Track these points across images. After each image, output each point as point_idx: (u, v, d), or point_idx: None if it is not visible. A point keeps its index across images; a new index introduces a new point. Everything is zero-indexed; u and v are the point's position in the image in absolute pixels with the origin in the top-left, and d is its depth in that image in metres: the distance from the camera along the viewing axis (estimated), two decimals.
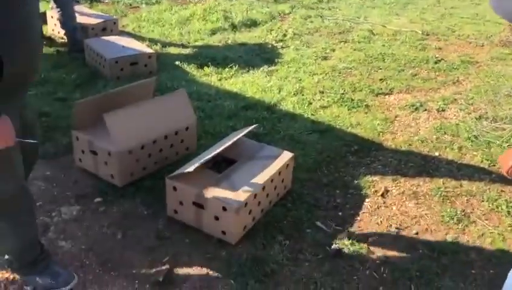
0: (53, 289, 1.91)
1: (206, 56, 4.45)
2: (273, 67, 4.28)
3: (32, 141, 1.65)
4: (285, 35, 5.14)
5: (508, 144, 3.06)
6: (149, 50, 4.17)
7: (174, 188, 2.28)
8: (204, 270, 2.09)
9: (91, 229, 2.30)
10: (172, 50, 4.66)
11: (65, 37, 4.49)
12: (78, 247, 2.18)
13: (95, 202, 2.47)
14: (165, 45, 4.77)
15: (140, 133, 2.58)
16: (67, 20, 4.34)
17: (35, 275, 1.91)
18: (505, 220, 2.44)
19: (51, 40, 4.67)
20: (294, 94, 3.73)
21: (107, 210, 2.42)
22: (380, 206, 2.55)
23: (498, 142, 3.08)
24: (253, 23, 5.51)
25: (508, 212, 2.49)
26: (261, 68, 4.24)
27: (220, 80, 4.01)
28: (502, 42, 5.05)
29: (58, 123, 3.17)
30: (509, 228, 2.38)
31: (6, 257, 1.89)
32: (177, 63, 4.29)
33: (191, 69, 4.19)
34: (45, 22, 4.77)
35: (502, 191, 2.66)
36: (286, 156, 2.53)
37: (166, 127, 2.69)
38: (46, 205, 2.43)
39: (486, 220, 2.45)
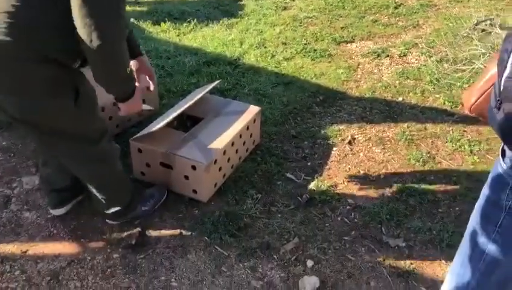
0: (157, 204, 2.14)
1: (162, 11, 4.25)
2: (233, 20, 4.15)
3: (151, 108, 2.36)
4: None
5: (468, 85, 3.11)
6: None
7: (139, 150, 2.22)
8: (177, 230, 2.07)
9: None
10: (126, 7, 4.43)
11: None
12: (44, 217, 2.11)
13: None
14: None
15: (98, 95, 2.46)
16: None
17: (140, 207, 2.08)
18: (468, 159, 2.51)
19: None
20: (256, 47, 3.65)
21: None
22: (348, 154, 2.57)
23: (459, 83, 3.12)
24: None
25: (471, 151, 2.56)
26: (221, 21, 4.10)
27: (178, 35, 3.86)
28: None
29: None
30: (471, 166, 2.46)
31: (112, 210, 1.99)
32: (131, 20, 4.09)
33: (147, 26, 4.01)
34: None
35: (464, 131, 2.73)
36: (253, 110, 2.49)
37: None
38: (6, 177, 2.32)
39: (450, 160, 2.51)
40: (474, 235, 1.06)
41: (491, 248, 1.02)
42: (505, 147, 0.98)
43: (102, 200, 1.97)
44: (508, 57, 0.91)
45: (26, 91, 1.51)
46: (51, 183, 2.05)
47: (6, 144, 2.53)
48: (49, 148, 1.86)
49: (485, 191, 1.05)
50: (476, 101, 1.12)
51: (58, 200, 2.08)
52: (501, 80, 0.93)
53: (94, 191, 1.94)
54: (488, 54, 3.24)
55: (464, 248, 1.10)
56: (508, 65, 0.92)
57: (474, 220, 1.08)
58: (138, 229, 2.04)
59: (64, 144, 1.74)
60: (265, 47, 3.66)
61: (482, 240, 1.04)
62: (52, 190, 2.05)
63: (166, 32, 3.90)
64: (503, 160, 0.99)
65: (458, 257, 1.13)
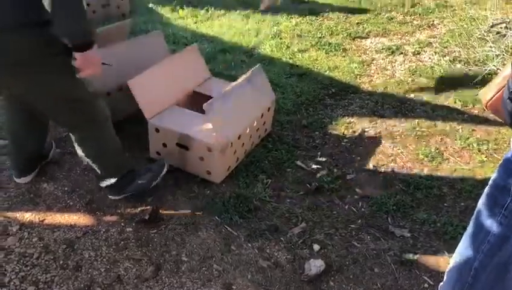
0: (155, 179, 2.15)
1: None
2: (249, 10, 4.19)
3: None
4: None
5: (480, 86, 3.14)
6: None
7: (157, 130, 2.28)
8: (189, 209, 2.13)
9: (72, 171, 2.29)
10: None
11: None
12: (61, 189, 2.18)
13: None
14: None
15: (117, 74, 2.52)
16: None
17: (136, 180, 2.11)
18: (476, 157, 2.55)
19: None
20: (272, 38, 3.70)
21: None
22: (357, 146, 2.62)
23: (471, 83, 3.16)
24: None
25: (479, 150, 2.60)
26: (238, 11, 4.15)
27: (195, 22, 3.92)
28: None
29: None
30: (479, 164, 2.50)
31: (106, 184, 2.07)
32: (150, 5, 4.15)
33: (165, 11, 4.06)
34: None
35: (473, 130, 2.77)
36: (269, 98, 2.54)
37: (142, 68, 2.63)
38: None
39: (458, 157, 2.56)
40: (480, 218, 1.11)
41: (496, 230, 1.06)
42: None
43: (98, 171, 2.06)
44: None
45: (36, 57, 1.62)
46: (20, 151, 2.13)
47: None
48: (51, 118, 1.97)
49: (494, 176, 1.09)
50: (492, 97, 1.14)
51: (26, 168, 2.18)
52: None
53: (91, 161, 2.03)
54: (501, 56, 3.26)
55: (469, 230, 1.15)
56: None
57: (481, 204, 1.13)
58: (152, 205, 2.10)
59: (63, 111, 1.85)
60: (280, 38, 3.71)
61: (487, 222, 1.08)
62: (22, 157, 2.15)
63: (184, 19, 3.96)
64: None
65: (464, 238, 1.18)
